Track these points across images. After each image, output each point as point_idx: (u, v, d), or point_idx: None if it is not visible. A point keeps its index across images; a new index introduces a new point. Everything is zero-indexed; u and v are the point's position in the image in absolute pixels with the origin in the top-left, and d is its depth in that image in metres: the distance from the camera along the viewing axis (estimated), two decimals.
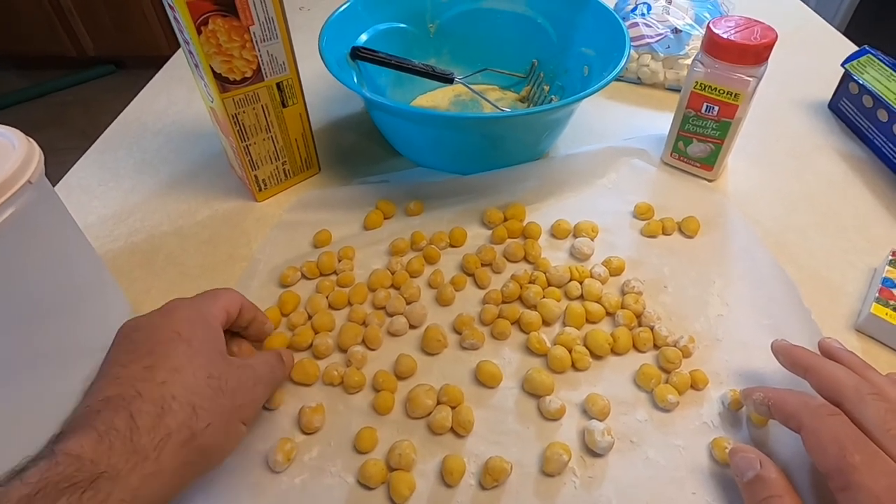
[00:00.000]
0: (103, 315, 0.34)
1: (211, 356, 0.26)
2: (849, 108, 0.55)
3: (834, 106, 0.57)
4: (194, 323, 0.27)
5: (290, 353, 0.34)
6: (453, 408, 0.33)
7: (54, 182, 0.44)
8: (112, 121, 0.58)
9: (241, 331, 0.33)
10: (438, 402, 0.33)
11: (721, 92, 0.43)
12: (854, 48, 0.62)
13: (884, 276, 0.38)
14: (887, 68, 0.51)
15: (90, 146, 0.54)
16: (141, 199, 0.48)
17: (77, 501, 0.19)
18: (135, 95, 0.62)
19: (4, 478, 0.19)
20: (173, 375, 0.24)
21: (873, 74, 0.51)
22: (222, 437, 0.25)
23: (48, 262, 0.29)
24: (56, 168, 0.44)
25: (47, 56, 2.11)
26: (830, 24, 0.75)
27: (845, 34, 0.72)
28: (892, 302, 0.36)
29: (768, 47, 0.40)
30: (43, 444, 0.21)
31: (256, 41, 0.38)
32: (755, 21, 0.42)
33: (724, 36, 0.41)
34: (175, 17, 0.36)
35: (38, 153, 0.26)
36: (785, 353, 0.32)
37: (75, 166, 0.52)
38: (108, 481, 0.20)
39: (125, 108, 0.60)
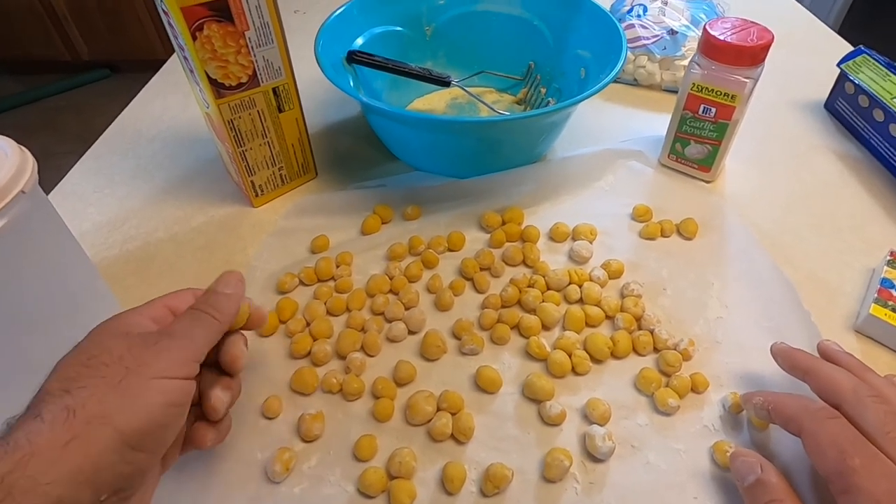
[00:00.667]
0: (95, 323, 0.34)
1: (101, 340, 0.24)
2: (845, 109, 0.55)
3: (830, 106, 0.57)
4: (96, 329, 0.25)
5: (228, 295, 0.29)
6: (453, 414, 0.32)
7: (48, 188, 0.43)
8: (106, 125, 0.57)
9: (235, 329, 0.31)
10: (438, 409, 0.33)
11: (718, 93, 0.43)
12: (849, 48, 0.62)
13: (882, 276, 0.38)
14: (883, 68, 0.51)
15: (83, 151, 0.54)
16: (136, 205, 0.48)
17: None
18: (130, 100, 0.61)
19: None
20: (49, 378, 0.23)
21: (869, 74, 0.51)
22: (117, 400, 0.22)
23: (41, 271, 0.28)
24: (50, 173, 0.44)
25: (42, 61, 2.10)
26: (825, 23, 0.75)
27: (839, 33, 0.72)
28: (890, 302, 0.36)
29: (765, 49, 0.40)
30: None
31: (252, 46, 0.38)
32: (751, 22, 0.42)
33: (721, 37, 0.41)
34: (170, 23, 0.36)
35: (31, 162, 0.26)
36: (784, 356, 0.32)
37: (70, 173, 0.51)
38: None
39: (119, 112, 0.59)
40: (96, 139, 0.56)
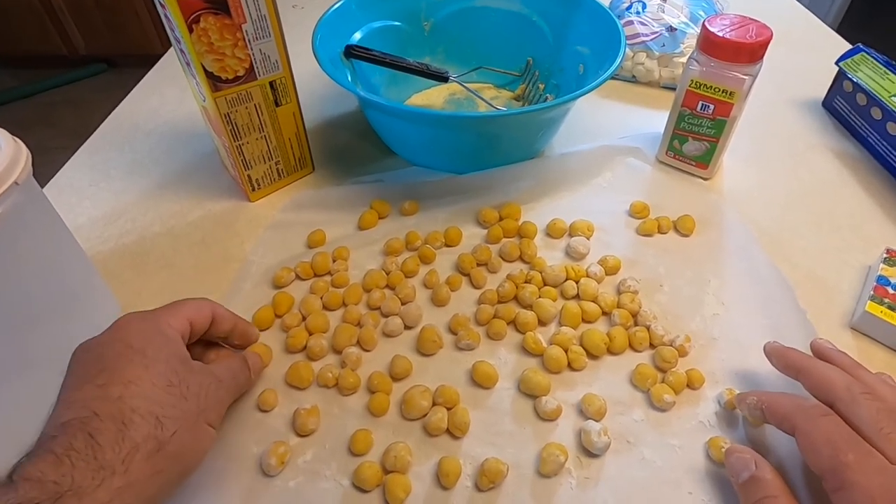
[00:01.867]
0: (93, 319, 0.33)
1: (169, 363, 0.26)
2: (843, 107, 0.55)
3: (828, 104, 0.57)
4: (147, 333, 0.26)
5: (257, 356, 0.33)
6: (449, 409, 0.32)
7: (44, 182, 0.43)
8: (102, 120, 0.57)
9: (223, 340, 0.33)
10: (434, 404, 0.33)
11: (716, 90, 0.43)
12: (848, 46, 0.62)
13: (878, 273, 0.38)
14: (881, 66, 0.51)
15: (79, 146, 0.54)
16: (132, 199, 0.48)
17: None
18: (125, 94, 0.61)
19: None
20: (129, 388, 0.24)
21: (867, 72, 0.51)
22: (191, 442, 0.25)
23: (36, 264, 0.28)
24: (46, 168, 0.43)
25: (38, 55, 2.09)
26: (824, 21, 0.75)
27: (838, 32, 0.72)
28: (886, 300, 0.36)
29: (763, 46, 0.40)
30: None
31: (249, 39, 0.37)
32: (750, 19, 0.42)
33: (720, 34, 0.41)
34: (166, 15, 0.35)
35: (25, 154, 0.26)
36: (777, 356, 0.32)
37: (65, 166, 0.51)
38: (74, 498, 0.20)
39: (116, 107, 0.59)
40: (92, 133, 0.55)
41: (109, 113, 0.58)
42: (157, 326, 0.27)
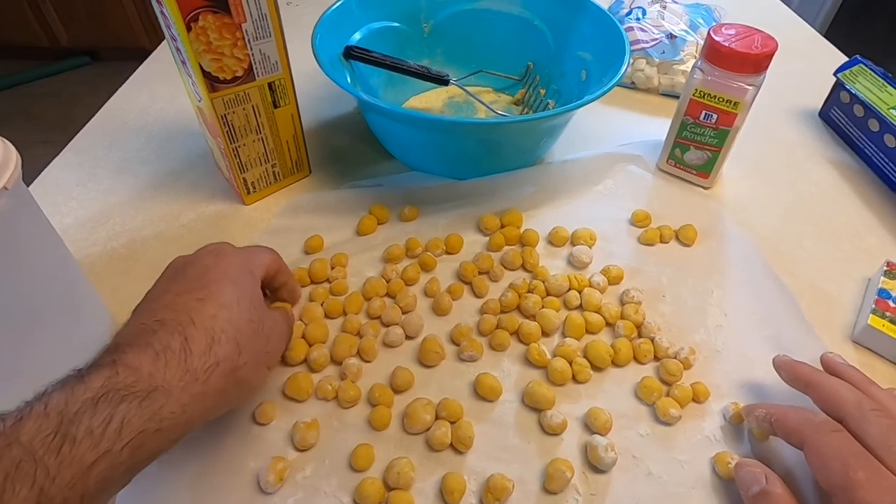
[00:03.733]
0: (82, 325, 0.32)
1: (252, 301, 0.28)
2: (840, 118, 0.55)
3: (825, 115, 0.58)
4: (242, 269, 0.29)
5: (290, 314, 0.34)
6: (452, 423, 0.32)
7: (28, 180, 0.41)
8: (85, 114, 0.55)
9: (271, 292, 0.35)
10: (437, 417, 0.32)
11: (720, 100, 0.42)
12: (843, 58, 0.63)
13: (879, 287, 0.38)
14: (879, 78, 0.51)
15: (61, 140, 0.52)
16: (121, 200, 0.46)
17: (136, 408, 0.21)
18: (109, 88, 0.59)
19: (67, 379, 0.21)
20: (222, 311, 0.26)
21: (865, 84, 0.52)
22: (253, 375, 0.27)
23: (23, 270, 0.27)
24: (26, 163, 0.41)
25: (18, 46, 2.03)
26: (812, 25, 0.76)
27: (828, 36, 0.73)
28: (888, 313, 0.37)
29: (769, 56, 0.40)
30: (100, 353, 0.23)
31: (249, 39, 0.36)
32: (755, 29, 0.42)
33: (725, 44, 0.40)
34: (162, 12, 0.34)
35: (14, 157, 0.24)
36: (787, 369, 0.32)
37: (51, 165, 0.49)
38: (163, 395, 0.22)
39: (99, 101, 0.57)
40: (75, 128, 0.53)
41: (92, 106, 0.56)
42: (249, 266, 0.30)
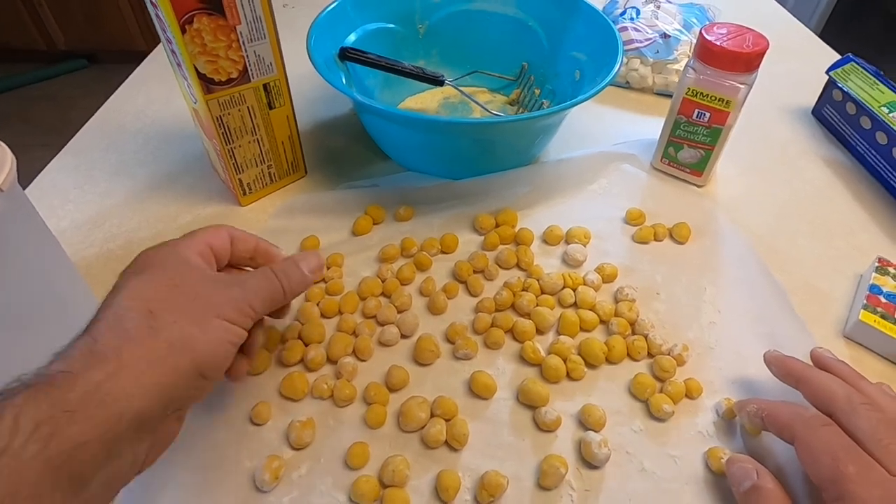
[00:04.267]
0: (77, 326, 0.32)
1: (175, 267, 0.27)
2: (832, 116, 0.55)
3: (817, 113, 0.58)
4: (163, 254, 0.27)
5: (311, 255, 0.32)
6: (447, 420, 0.32)
7: (24, 183, 0.42)
8: (82, 117, 0.55)
9: (249, 263, 0.32)
10: (432, 415, 0.32)
11: (713, 98, 0.43)
12: (836, 56, 0.63)
13: (870, 282, 0.39)
14: (871, 76, 0.51)
15: (58, 143, 0.52)
16: (118, 202, 0.46)
17: (44, 394, 0.21)
18: (106, 91, 0.59)
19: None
20: (129, 292, 0.25)
21: (857, 82, 0.52)
22: (198, 332, 0.25)
23: (21, 272, 0.27)
24: (22, 166, 0.41)
25: (15, 49, 2.03)
26: (807, 25, 0.77)
27: (822, 36, 0.73)
28: (879, 309, 0.37)
29: (760, 55, 0.41)
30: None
31: (243, 41, 0.36)
32: (747, 28, 0.42)
33: (717, 43, 0.41)
34: (157, 15, 0.34)
35: (10, 158, 0.24)
36: (777, 364, 0.32)
37: (47, 167, 0.49)
38: (68, 378, 0.21)
39: (96, 104, 0.57)
40: (71, 131, 0.53)
41: (88, 109, 0.56)
42: (175, 250, 0.28)
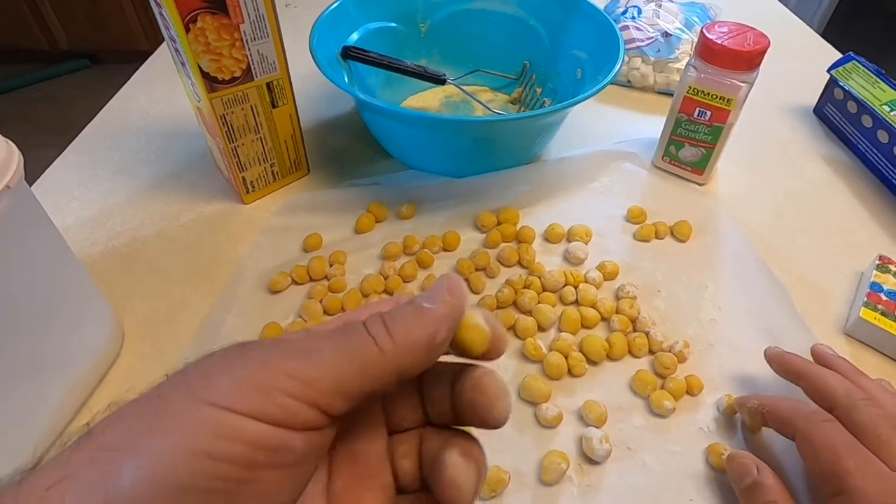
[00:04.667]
0: (85, 323, 0.33)
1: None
2: (834, 114, 0.55)
3: (819, 111, 0.58)
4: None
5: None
6: None
7: (28, 182, 0.42)
8: (83, 117, 0.55)
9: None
10: None
11: (714, 97, 0.43)
12: (838, 55, 0.63)
13: (871, 280, 0.39)
14: (872, 75, 0.52)
15: (59, 143, 0.52)
16: (121, 200, 0.46)
17: None
18: (107, 91, 0.59)
19: None
20: None
21: (858, 81, 0.52)
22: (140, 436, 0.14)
23: (27, 269, 0.27)
24: (25, 165, 0.42)
25: (17, 48, 2.04)
26: (809, 25, 0.77)
27: (823, 36, 0.73)
28: (879, 306, 0.37)
29: (761, 54, 0.41)
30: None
31: (247, 40, 0.37)
32: (748, 27, 0.43)
33: (718, 41, 0.41)
34: (161, 14, 0.34)
35: (17, 156, 0.25)
36: (777, 360, 0.32)
37: (52, 166, 0.50)
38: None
39: (98, 104, 0.57)
40: (73, 131, 0.54)
41: (90, 109, 0.57)
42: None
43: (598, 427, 0.32)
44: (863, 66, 0.53)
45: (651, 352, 0.36)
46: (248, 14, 0.36)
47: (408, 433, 0.19)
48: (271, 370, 0.14)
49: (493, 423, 0.17)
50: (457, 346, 0.17)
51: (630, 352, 0.36)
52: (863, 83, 0.52)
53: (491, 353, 0.18)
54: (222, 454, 0.13)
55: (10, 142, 0.25)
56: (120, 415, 0.14)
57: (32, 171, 0.48)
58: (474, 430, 0.19)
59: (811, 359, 0.32)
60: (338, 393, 0.15)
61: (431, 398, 0.19)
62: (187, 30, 0.34)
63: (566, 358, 0.35)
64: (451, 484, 0.16)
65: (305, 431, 0.15)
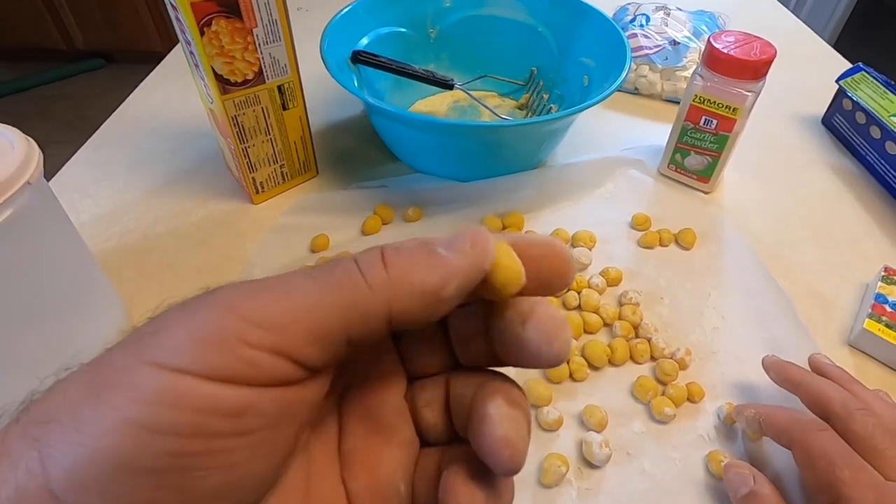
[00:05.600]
0: (98, 317, 0.34)
1: None
2: (842, 124, 0.55)
3: (827, 121, 0.58)
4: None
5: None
6: None
7: (47, 177, 0.43)
8: (99, 115, 0.57)
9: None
10: None
11: (720, 106, 0.43)
12: (847, 65, 0.63)
13: (876, 291, 0.39)
14: (881, 86, 0.52)
15: (76, 140, 0.53)
16: (135, 198, 0.47)
17: None
18: (121, 90, 0.61)
19: None
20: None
21: (867, 91, 0.52)
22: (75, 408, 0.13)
23: (44, 263, 0.28)
24: (45, 161, 0.43)
25: (35, 48, 2.07)
26: (821, 37, 0.76)
27: (835, 47, 0.73)
28: (884, 318, 0.37)
29: (767, 63, 0.41)
30: None
31: (259, 43, 0.37)
32: (754, 37, 0.43)
33: (724, 51, 0.41)
34: (177, 18, 0.35)
35: (37, 153, 0.26)
36: (775, 369, 0.32)
37: (69, 163, 0.51)
38: None
39: (112, 102, 0.59)
40: (89, 128, 0.55)
41: (106, 107, 0.58)
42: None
43: (598, 431, 0.32)
44: (872, 76, 0.53)
45: (653, 358, 0.36)
46: (262, 18, 0.37)
47: (431, 378, 0.16)
48: (232, 316, 0.12)
49: (552, 362, 0.14)
50: (480, 290, 0.14)
51: (632, 358, 0.36)
52: (872, 94, 0.52)
53: (544, 286, 0.15)
54: (165, 425, 0.11)
55: (30, 139, 0.26)
56: (63, 381, 0.12)
57: (50, 167, 0.49)
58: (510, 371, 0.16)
59: (809, 368, 0.32)
60: (313, 339, 0.12)
61: (461, 336, 0.16)
62: (202, 33, 0.35)
63: (568, 362, 0.35)
64: (502, 442, 0.13)
65: (275, 388, 0.12)
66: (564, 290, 0.15)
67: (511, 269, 0.14)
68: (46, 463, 0.11)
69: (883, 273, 0.40)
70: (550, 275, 0.15)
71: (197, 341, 0.12)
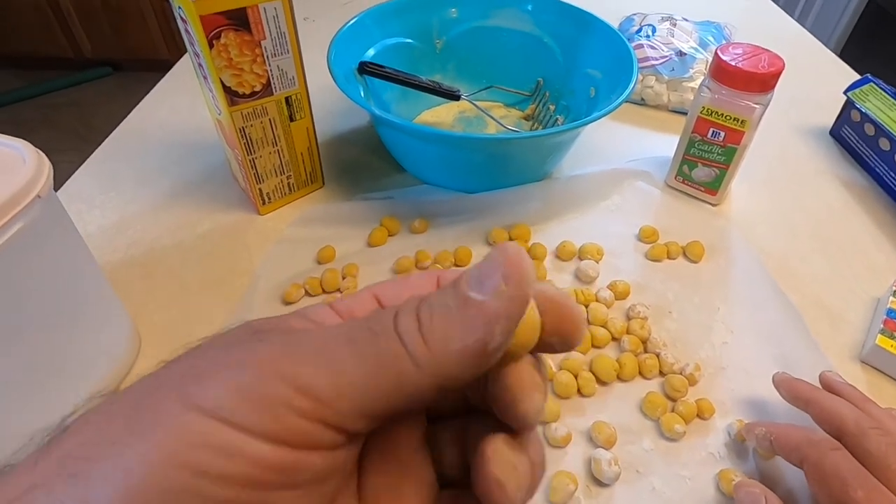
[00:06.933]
0: (105, 330, 0.33)
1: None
2: (850, 136, 0.55)
3: (835, 133, 0.58)
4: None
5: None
6: None
7: (54, 187, 0.43)
8: (105, 124, 0.57)
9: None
10: None
11: (728, 118, 0.43)
12: (855, 76, 0.63)
13: (888, 307, 0.38)
14: (889, 98, 0.51)
15: (82, 148, 0.54)
16: (141, 209, 0.47)
17: None
18: (128, 98, 0.61)
19: None
20: None
21: (875, 103, 0.52)
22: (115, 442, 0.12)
23: (53, 275, 0.28)
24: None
25: (43, 56, 2.10)
26: (826, 45, 0.76)
27: (841, 57, 0.73)
28: None
29: (775, 76, 0.41)
30: None
31: (267, 56, 0.38)
32: (762, 49, 0.43)
33: (732, 63, 0.41)
34: (187, 30, 0.35)
35: (47, 167, 0.26)
36: (786, 387, 0.32)
37: (75, 174, 0.51)
38: None
39: (119, 111, 0.59)
40: (95, 136, 0.55)
41: (112, 116, 0.58)
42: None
43: (607, 448, 0.32)
44: (880, 88, 0.53)
45: (662, 373, 0.36)
46: (270, 31, 0.37)
47: (450, 420, 0.16)
48: (277, 378, 0.12)
49: (518, 423, 0.14)
50: None
51: (640, 373, 0.36)
52: (880, 106, 0.51)
53: (550, 345, 0.14)
54: (221, 473, 0.11)
55: (41, 153, 0.26)
56: (96, 414, 0.12)
57: (57, 176, 0.50)
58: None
59: (820, 386, 0.32)
60: (361, 415, 0.12)
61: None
62: (211, 46, 0.35)
63: (576, 377, 0.35)
64: (491, 481, 0.13)
65: (324, 451, 0.12)
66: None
67: (532, 324, 0.13)
68: (90, 498, 0.11)
69: (894, 287, 0.40)
70: (559, 336, 0.14)
71: (245, 400, 0.12)
